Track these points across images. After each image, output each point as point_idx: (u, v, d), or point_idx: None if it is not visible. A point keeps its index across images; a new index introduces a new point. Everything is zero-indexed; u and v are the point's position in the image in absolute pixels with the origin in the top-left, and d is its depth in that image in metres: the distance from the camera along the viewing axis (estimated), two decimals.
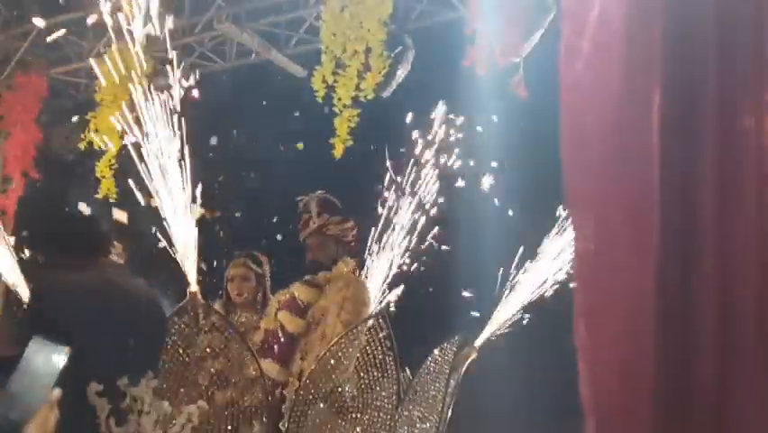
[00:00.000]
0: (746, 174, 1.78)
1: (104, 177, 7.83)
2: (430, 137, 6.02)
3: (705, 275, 1.76)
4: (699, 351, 1.76)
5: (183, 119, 4.51)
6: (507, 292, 6.07)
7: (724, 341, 1.75)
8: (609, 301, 1.87)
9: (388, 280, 5.88)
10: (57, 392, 1.74)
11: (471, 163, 6.31)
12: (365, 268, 5.69)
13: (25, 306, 3.26)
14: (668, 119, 1.79)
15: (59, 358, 1.74)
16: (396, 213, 5.89)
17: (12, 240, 6.12)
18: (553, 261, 5.84)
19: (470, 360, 5.68)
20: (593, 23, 1.90)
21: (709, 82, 1.78)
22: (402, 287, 5.87)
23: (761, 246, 1.77)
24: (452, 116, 6.06)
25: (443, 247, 6.23)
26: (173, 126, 4.50)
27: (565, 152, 1.96)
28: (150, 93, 4.54)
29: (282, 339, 4.58)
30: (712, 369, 1.75)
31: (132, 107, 4.83)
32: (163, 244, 4.56)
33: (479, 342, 5.88)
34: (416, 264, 6.03)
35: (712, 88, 1.78)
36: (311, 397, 4.37)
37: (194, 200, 4.43)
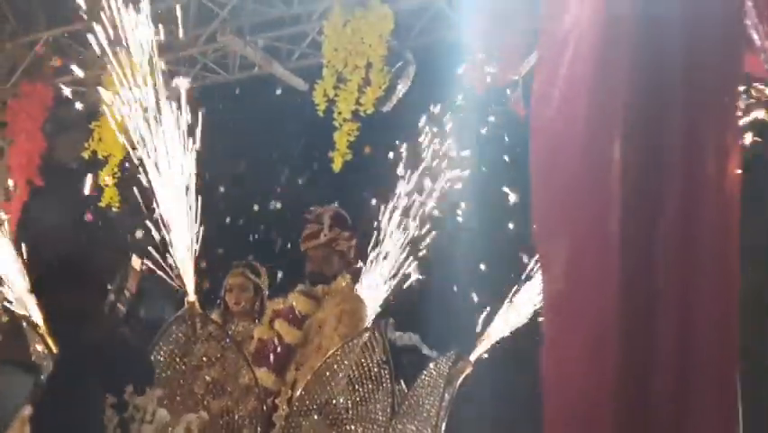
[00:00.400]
0: (708, 213, 1.83)
1: (106, 185, 7.88)
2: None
3: (667, 308, 1.82)
4: (658, 376, 1.81)
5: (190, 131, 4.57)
6: (504, 307, 6.10)
7: (683, 365, 1.80)
8: (572, 334, 1.93)
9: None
10: (28, 410, 1.79)
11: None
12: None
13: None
14: (630, 165, 1.86)
15: (27, 380, 1.80)
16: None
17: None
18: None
19: (464, 374, 5.70)
20: (563, 73, 1.97)
21: (672, 128, 1.84)
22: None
23: (722, 279, 1.82)
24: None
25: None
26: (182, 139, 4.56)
27: (534, 194, 2.03)
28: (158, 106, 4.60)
29: (279, 349, 4.61)
30: (671, 391, 1.80)
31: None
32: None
33: (474, 356, 5.91)
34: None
35: (675, 134, 1.84)
36: (306, 408, 4.40)
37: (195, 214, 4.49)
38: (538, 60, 2.10)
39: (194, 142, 4.62)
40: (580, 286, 1.94)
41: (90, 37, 5.64)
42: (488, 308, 5.97)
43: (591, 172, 1.92)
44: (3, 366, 1.78)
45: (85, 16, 5.75)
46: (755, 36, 2.05)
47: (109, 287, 3.51)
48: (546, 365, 1.98)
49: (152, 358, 4.32)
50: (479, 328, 5.94)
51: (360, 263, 5.70)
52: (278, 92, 8.44)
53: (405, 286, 6.10)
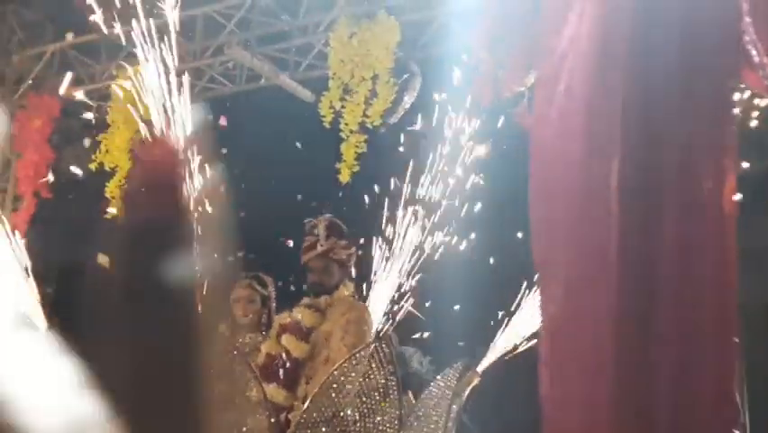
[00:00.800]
0: (705, 236, 1.84)
1: (113, 197, 7.89)
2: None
3: (665, 329, 1.82)
4: (655, 399, 1.81)
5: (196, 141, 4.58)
6: (510, 318, 6.10)
7: (681, 388, 1.81)
8: (569, 354, 1.93)
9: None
10: None
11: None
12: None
13: None
14: (627, 186, 1.86)
15: None
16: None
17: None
18: None
19: (472, 385, 5.70)
20: (561, 92, 1.98)
21: (669, 147, 1.84)
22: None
23: (717, 306, 1.82)
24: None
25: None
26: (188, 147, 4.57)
27: (532, 213, 2.04)
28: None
29: (287, 364, 4.60)
30: (669, 414, 1.80)
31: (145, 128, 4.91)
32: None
33: (481, 367, 5.90)
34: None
35: (672, 153, 1.84)
36: (313, 421, 4.39)
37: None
38: (537, 80, 2.12)
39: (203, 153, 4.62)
40: (578, 306, 1.94)
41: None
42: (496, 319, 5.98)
43: (589, 192, 1.92)
44: None
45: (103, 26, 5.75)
46: (754, 52, 2.06)
47: None
48: (544, 385, 1.98)
49: None
50: (487, 340, 5.95)
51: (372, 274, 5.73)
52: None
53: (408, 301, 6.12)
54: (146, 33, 4.92)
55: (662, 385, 1.83)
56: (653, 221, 1.85)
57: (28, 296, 6.38)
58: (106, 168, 7.96)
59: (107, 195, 7.93)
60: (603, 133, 1.90)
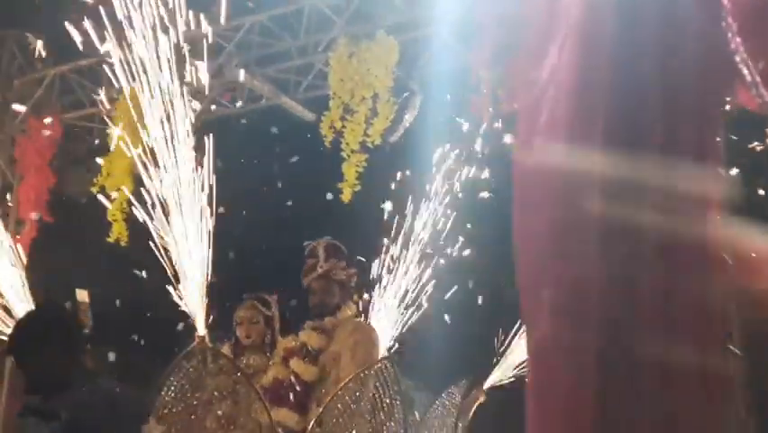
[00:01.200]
0: (690, 264, 1.84)
1: (115, 220, 7.89)
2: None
3: (646, 358, 1.82)
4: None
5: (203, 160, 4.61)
6: (518, 337, 6.11)
7: (666, 419, 1.80)
8: (555, 382, 1.93)
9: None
10: None
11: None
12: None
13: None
14: (607, 218, 1.86)
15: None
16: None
17: None
18: None
19: (477, 403, 5.70)
20: (543, 125, 1.99)
21: (651, 176, 1.85)
22: None
23: (703, 328, 1.82)
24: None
25: None
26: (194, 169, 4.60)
27: (516, 242, 2.04)
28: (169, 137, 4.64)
29: (298, 387, 4.60)
30: None
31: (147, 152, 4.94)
32: None
33: (487, 385, 5.90)
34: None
35: (652, 189, 1.84)
36: None
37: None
38: (519, 111, 2.13)
39: (208, 175, 4.66)
40: (561, 336, 1.94)
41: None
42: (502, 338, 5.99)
43: (571, 222, 1.92)
44: (24, 414, 1.79)
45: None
46: (746, 71, 2.07)
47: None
48: (530, 414, 1.98)
49: (163, 393, 4.32)
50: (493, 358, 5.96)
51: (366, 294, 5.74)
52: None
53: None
54: (149, 57, 4.96)
55: (646, 417, 1.83)
56: (635, 250, 1.85)
57: None
58: (107, 191, 7.96)
59: (109, 219, 7.93)
60: (584, 165, 1.90)
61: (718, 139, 1.93)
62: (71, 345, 3.41)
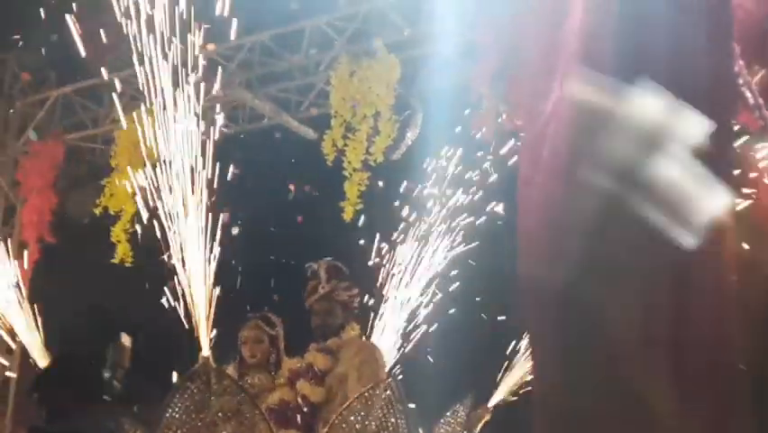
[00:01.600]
0: (703, 283, 1.83)
1: (119, 241, 7.89)
2: None
3: (655, 374, 1.81)
4: None
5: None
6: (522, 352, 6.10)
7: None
8: (560, 396, 1.93)
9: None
10: None
11: None
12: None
13: None
14: (613, 252, 1.86)
15: None
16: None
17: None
18: None
19: (483, 421, 5.67)
20: (545, 157, 1.99)
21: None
22: None
23: (721, 352, 1.82)
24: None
25: None
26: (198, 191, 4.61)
27: (520, 273, 2.05)
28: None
29: (305, 409, 4.58)
30: None
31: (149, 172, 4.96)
32: None
33: (492, 402, 5.88)
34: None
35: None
36: None
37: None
38: (522, 143, 2.14)
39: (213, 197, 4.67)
40: (567, 352, 1.94)
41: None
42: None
43: (574, 253, 1.92)
44: None
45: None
46: (749, 94, 2.08)
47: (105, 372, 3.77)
48: (537, 428, 1.98)
49: (167, 414, 4.31)
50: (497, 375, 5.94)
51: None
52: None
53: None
54: (153, 77, 4.98)
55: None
56: (645, 284, 1.85)
57: None
58: (110, 212, 7.97)
59: (113, 239, 7.94)
60: (586, 200, 1.90)
61: (726, 166, 1.92)
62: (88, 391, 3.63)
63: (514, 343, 6.13)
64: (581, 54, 1.95)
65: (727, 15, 1.92)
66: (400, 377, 5.73)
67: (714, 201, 1.84)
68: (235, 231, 8.58)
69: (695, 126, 1.83)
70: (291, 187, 7.60)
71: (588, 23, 1.95)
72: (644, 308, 1.84)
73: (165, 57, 5.23)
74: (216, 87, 8.08)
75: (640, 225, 1.82)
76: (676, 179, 1.83)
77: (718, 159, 1.87)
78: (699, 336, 1.83)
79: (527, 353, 6.03)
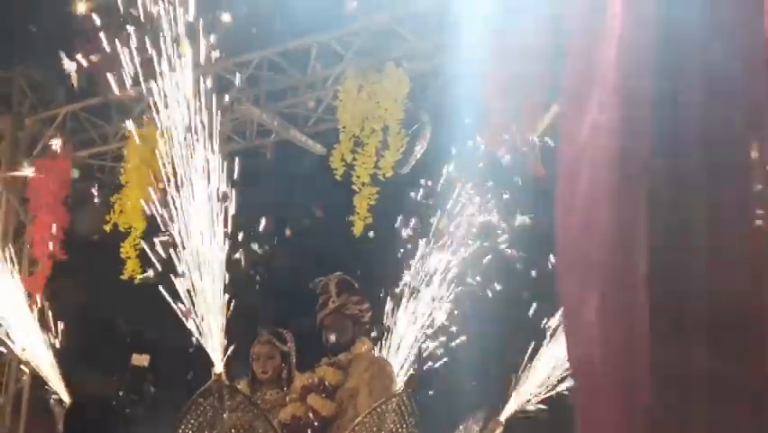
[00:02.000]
0: (736, 286, 1.83)
1: (129, 257, 7.91)
2: None
3: (697, 372, 1.81)
4: None
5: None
6: (534, 362, 6.08)
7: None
8: (603, 401, 1.93)
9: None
10: None
11: None
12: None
13: None
14: (656, 277, 1.87)
15: None
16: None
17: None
18: None
19: None
20: (584, 185, 2.00)
21: (698, 237, 1.85)
22: None
23: (755, 339, 1.81)
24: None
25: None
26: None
27: (559, 259, 2.05)
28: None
29: (316, 423, 4.59)
30: None
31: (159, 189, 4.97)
32: None
33: (504, 415, 5.86)
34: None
35: (700, 241, 1.84)
36: None
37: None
38: (559, 171, 2.14)
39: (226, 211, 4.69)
40: (609, 352, 1.94)
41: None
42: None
43: (617, 284, 1.93)
44: None
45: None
46: None
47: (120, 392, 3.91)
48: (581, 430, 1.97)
49: (180, 431, 4.32)
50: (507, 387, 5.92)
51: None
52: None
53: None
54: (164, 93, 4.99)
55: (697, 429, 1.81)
56: (682, 289, 1.85)
57: None
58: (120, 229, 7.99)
59: (122, 255, 7.96)
60: (628, 225, 1.90)
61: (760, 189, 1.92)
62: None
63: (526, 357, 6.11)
64: (619, 87, 1.96)
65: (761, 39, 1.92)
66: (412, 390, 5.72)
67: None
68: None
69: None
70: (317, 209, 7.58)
71: (625, 57, 1.96)
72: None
73: (174, 71, 5.25)
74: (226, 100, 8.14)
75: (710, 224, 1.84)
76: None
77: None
78: None
79: (537, 364, 6.02)
